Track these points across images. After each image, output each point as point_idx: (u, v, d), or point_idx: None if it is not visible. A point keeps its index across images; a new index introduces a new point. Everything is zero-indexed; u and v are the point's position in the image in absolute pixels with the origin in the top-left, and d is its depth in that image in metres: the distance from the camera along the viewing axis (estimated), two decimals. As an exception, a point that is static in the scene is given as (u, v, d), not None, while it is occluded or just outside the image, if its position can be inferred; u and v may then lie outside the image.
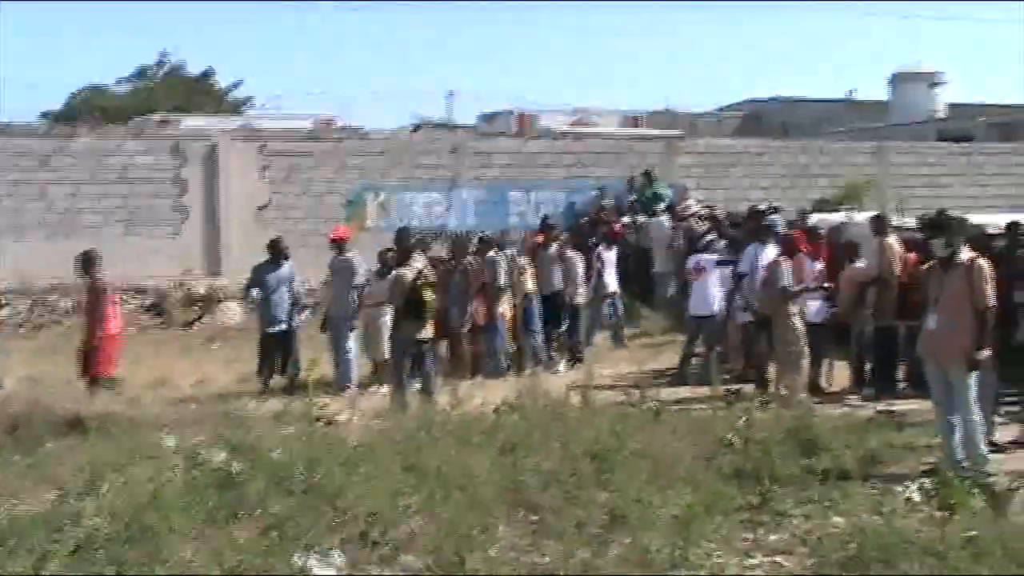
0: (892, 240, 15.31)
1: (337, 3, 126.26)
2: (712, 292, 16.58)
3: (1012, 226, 14.23)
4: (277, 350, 15.95)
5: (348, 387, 15.52)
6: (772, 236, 15.48)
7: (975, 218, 15.16)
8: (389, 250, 16.14)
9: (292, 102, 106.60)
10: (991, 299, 10.44)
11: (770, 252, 15.09)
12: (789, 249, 14.89)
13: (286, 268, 16.20)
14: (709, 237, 18.49)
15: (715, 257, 16.97)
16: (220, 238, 24.34)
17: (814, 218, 20.47)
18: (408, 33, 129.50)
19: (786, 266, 14.48)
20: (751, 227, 16.54)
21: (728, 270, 16.18)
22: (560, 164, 26.84)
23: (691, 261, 17.43)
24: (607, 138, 31.34)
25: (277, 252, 16.26)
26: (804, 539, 8.46)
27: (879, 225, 15.55)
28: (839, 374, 15.65)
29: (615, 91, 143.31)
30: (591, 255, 19.28)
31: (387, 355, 15.96)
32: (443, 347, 16.49)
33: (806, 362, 14.44)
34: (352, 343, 15.87)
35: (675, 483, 9.39)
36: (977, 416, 10.47)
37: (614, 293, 19.35)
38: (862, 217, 19.31)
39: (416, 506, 8.76)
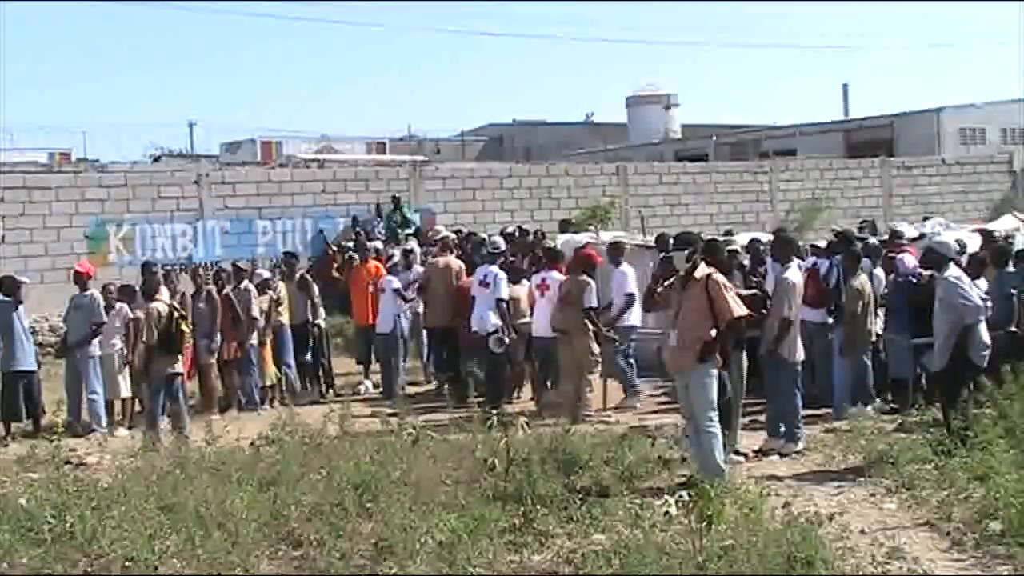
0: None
1: (67, 32, 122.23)
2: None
3: (752, 243, 14.80)
4: (17, 392, 15.25)
5: (95, 428, 15.00)
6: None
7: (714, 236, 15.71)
8: (108, 284, 16.16)
9: (25, 137, 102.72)
10: (736, 310, 10.80)
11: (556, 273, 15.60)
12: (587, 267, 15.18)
13: (20, 307, 15.52)
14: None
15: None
16: (-49, 277, 23.12)
17: (561, 238, 20.81)
18: (146, 64, 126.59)
19: (591, 284, 14.83)
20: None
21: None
22: (307, 192, 26.53)
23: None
24: (353, 165, 31.20)
25: (5, 291, 15.58)
26: (569, 558, 8.57)
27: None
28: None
29: (359, 117, 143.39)
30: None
31: (125, 393, 15.58)
32: (194, 381, 16.11)
33: (595, 379, 14.91)
34: (97, 383, 15.33)
35: (439, 509, 9.36)
36: (715, 428, 10.81)
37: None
38: (607, 236, 19.74)
39: (174, 548, 8.49)
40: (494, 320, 15.70)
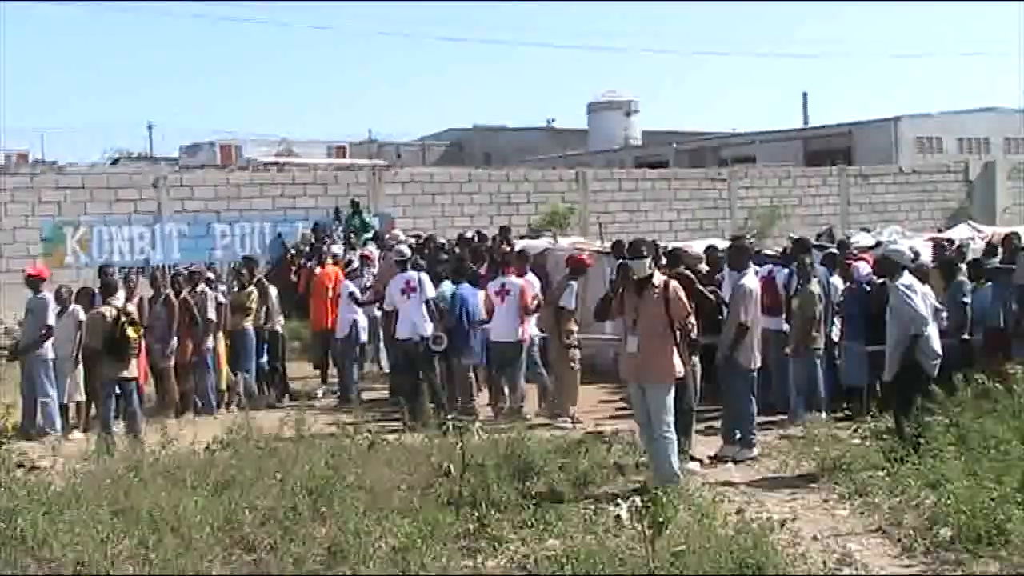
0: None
1: (25, 32, 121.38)
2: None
3: (709, 250, 14.87)
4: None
5: (48, 431, 14.89)
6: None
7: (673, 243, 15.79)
8: (62, 287, 16.03)
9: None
10: (690, 315, 10.91)
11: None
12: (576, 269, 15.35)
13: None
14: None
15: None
16: (-96, 279, 22.94)
17: (520, 244, 20.87)
18: (103, 63, 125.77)
19: (573, 286, 14.98)
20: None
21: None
22: (266, 196, 26.51)
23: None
24: (312, 169, 31.15)
25: None
26: (522, 564, 8.59)
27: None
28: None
29: (319, 121, 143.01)
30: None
31: (79, 396, 15.47)
32: (150, 384, 16.03)
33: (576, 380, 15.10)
34: (50, 386, 15.21)
35: (393, 514, 9.36)
36: (671, 434, 10.87)
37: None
38: (566, 242, 19.81)
39: (127, 552, 8.45)
40: (428, 324, 15.59)
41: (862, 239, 20.43)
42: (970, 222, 26.09)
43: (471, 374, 15.76)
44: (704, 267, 15.04)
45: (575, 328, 15.06)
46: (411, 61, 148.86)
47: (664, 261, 13.68)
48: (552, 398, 15.25)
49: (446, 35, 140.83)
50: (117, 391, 13.84)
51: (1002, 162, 39.30)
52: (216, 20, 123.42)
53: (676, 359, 10.92)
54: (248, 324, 17.06)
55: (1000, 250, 16.34)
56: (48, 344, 15.33)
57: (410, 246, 19.09)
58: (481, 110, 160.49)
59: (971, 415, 11.39)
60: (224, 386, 16.83)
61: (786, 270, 15.31)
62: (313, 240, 24.42)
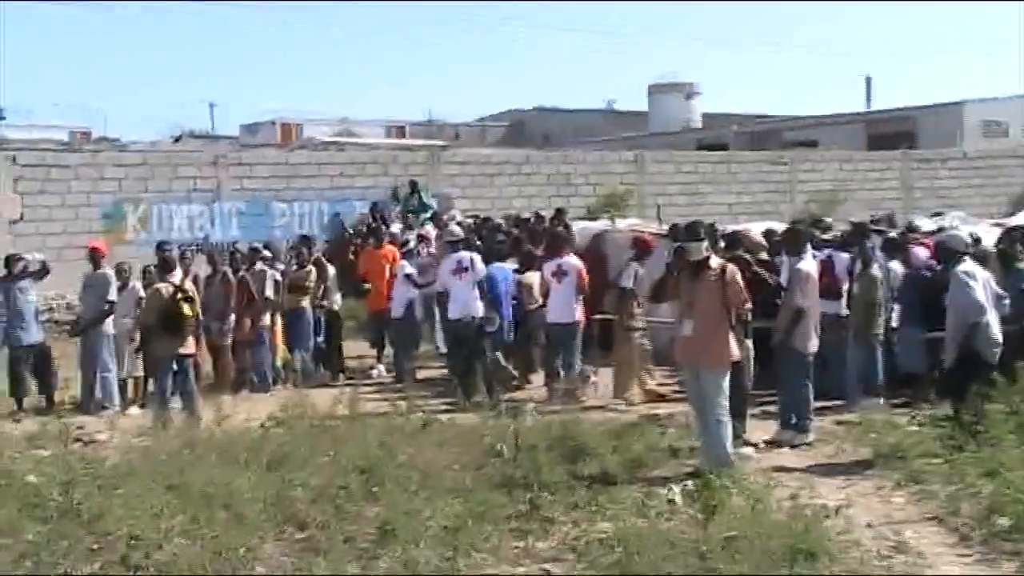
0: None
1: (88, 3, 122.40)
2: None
3: (768, 233, 14.74)
4: (28, 368, 15.31)
5: (107, 406, 15.05)
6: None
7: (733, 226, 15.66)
8: (122, 263, 16.22)
9: (46, 114, 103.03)
10: (747, 300, 10.83)
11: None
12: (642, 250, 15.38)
13: (25, 282, 15.57)
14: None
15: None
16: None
17: (578, 225, 20.80)
18: (168, 43, 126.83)
19: (635, 267, 14.97)
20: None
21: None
22: (324, 175, 26.62)
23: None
24: (371, 148, 31.22)
25: (10, 267, 15.66)
26: (573, 546, 8.55)
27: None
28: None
29: (379, 101, 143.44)
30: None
31: (138, 371, 15.60)
32: (207, 361, 16.15)
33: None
34: (110, 360, 15.37)
35: (444, 494, 9.38)
36: (726, 418, 10.80)
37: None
38: (623, 224, 19.72)
39: (179, 527, 8.50)
40: (479, 304, 15.62)
41: (924, 224, 20.14)
42: (1035, 208, 25.67)
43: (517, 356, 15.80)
44: (764, 254, 14.93)
45: (638, 310, 14.98)
46: (471, 41, 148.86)
47: (722, 244, 13.57)
48: (558, 385, 15.05)
49: (506, 15, 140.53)
50: (174, 368, 13.91)
51: (1069, 146, 38.74)
52: (277, 1, 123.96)
53: (732, 343, 10.84)
54: (305, 303, 17.15)
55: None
56: (109, 320, 15.49)
57: (466, 226, 19.10)
58: (541, 91, 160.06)
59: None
60: (280, 364, 16.93)
61: (845, 255, 15.14)
62: (371, 220, 24.47)
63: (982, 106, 43.59)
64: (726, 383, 10.85)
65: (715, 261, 11.03)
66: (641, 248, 15.36)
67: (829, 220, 20.87)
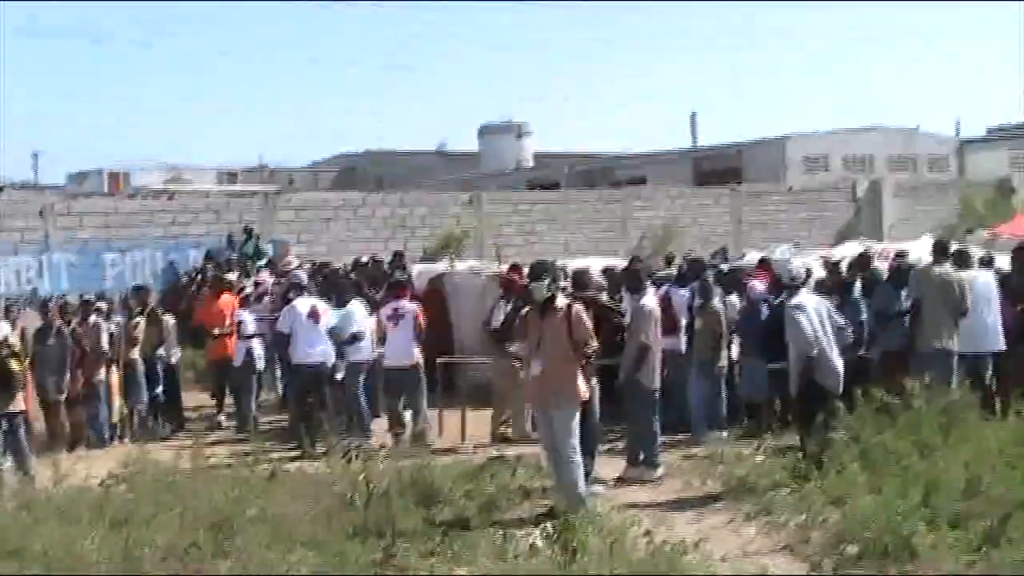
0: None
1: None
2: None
3: (607, 271, 14.88)
4: None
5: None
6: None
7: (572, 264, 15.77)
8: None
9: None
10: (593, 339, 10.85)
11: None
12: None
13: None
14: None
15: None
16: None
17: (417, 268, 20.79)
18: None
19: (503, 307, 14.96)
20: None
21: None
22: (157, 223, 26.07)
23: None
24: (204, 195, 30.74)
25: None
26: (431, 595, 8.45)
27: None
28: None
29: (208, 147, 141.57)
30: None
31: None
32: (40, 418, 15.59)
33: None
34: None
35: (298, 546, 9.17)
36: (578, 457, 10.80)
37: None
38: (463, 266, 19.74)
39: (21, 595, 8.15)
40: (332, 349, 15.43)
41: (753, 257, 20.60)
42: (861, 239, 26.41)
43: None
44: (605, 295, 15.05)
45: (516, 347, 14.89)
46: (300, 86, 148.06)
47: (568, 284, 13.64)
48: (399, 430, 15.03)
49: (336, 59, 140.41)
50: (4, 426, 13.41)
51: (888, 180, 40.05)
52: (98, 45, 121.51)
53: (581, 382, 10.85)
54: (135, 355, 16.70)
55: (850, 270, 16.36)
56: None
57: (306, 271, 18.89)
58: (372, 134, 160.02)
59: (871, 430, 11.47)
60: (117, 419, 16.44)
61: (683, 290, 15.38)
62: (208, 268, 24.00)
63: (803, 141, 44.77)
64: (576, 422, 10.85)
65: (561, 300, 11.05)
66: (507, 287, 15.38)
67: (672, 253, 21.33)
